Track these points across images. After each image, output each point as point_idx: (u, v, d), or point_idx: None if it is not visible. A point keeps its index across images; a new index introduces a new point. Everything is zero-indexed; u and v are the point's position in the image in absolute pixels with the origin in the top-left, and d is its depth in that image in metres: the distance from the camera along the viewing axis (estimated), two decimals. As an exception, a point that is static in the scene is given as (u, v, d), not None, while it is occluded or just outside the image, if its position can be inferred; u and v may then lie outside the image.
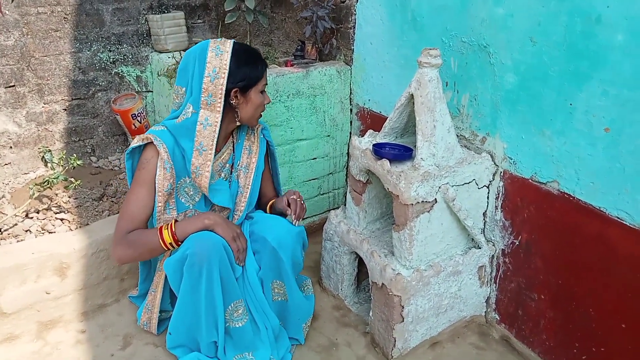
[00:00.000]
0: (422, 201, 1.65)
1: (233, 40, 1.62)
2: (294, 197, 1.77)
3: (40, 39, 2.36)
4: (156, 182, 1.57)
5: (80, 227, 2.05)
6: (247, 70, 1.58)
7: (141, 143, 1.58)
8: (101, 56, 2.55)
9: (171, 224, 1.56)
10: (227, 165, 1.75)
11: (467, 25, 1.74)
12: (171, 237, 1.54)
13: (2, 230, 1.99)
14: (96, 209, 2.23)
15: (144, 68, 2.67)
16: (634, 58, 1.29)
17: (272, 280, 1.73)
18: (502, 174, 1.75)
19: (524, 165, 1.67)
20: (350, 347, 1.88)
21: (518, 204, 1.72)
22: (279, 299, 1.75)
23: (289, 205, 1.76)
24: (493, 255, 1.86)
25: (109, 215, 2.22)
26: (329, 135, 2.45)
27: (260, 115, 1.72)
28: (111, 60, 2.58)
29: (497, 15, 1.62)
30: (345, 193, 2.66)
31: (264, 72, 1.65)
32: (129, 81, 2.66)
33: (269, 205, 1.88)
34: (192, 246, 1.51)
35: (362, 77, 2.33)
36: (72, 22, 2.42)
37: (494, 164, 1.77)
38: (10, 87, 2.34)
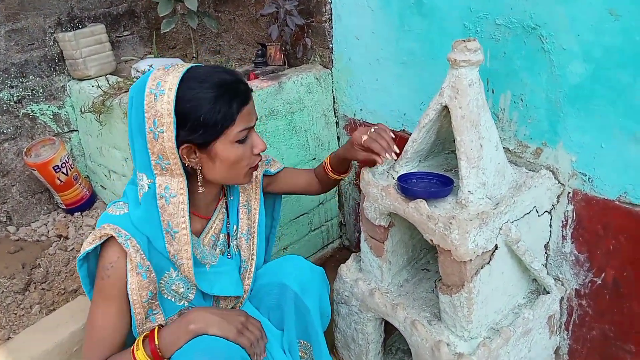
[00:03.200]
0: (483, 252, 1.19)
1: (185, 67, 1.07)
2: (373, 131, 1.27)
3: None
4: (129, 292, 1.06)
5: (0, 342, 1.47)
6: (206, 115, 1.04)
7: (98, 243, 1.06)
8: (1, 95, 1.92)
9: (151, 338, 1.05)
10: (222, 235, 1.26)
11: (504, 2, 1.27)
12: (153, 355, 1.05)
13: None
14: (21, 306, 1.65)
15: (62, 103, 2.07)
16: None
17: (296, 340, 1.31)
18: (570, 195, 1.32)
19: (607, 183, 1.23)
20: None
21: (599, 232, 1.29)
22: None
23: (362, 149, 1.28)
24: (562, 297, 1.43)
25: (40, 311, 1.65)
26: (314, 159, 1.95)
27: (254, 168, 1.18)
28: (15, 98, 1.96)
29: (552, -17, 1.16)
30: (340, 224, 2.18)
31: (241, 109, 1.08)
32: (44, 122, 2.05)
33: (328, 163, 1.41)
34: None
35: (349, 82, 1.84)
36: (-49, 55, 1.79)
37: (558, 182, 1.33)
38: None
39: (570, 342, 1.48)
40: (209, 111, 1.03)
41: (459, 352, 1.25)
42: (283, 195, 1.52)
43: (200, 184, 1.12)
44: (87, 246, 1.05)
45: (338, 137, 2.00)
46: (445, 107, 1.22)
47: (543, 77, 1.26)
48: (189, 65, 1.08)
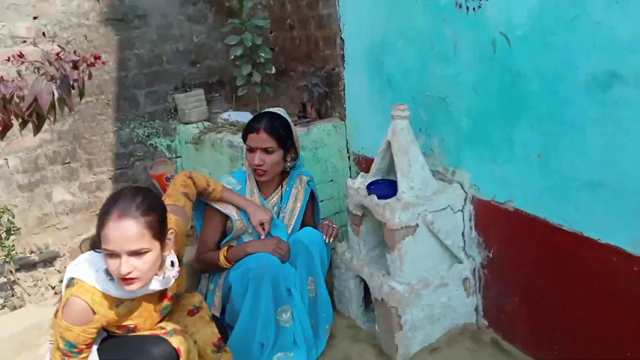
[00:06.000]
0: (406, 226, 2.02)
1: (269, 110, 2.23)
2: (327, 222, 2.25)
3: (88, 123, 2.89)
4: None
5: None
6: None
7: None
8: (138, 131, 3.06)
9: (224, 251, 2.09)
10: (276, 207, 2.24)
11: (428, 83, 2.16)
12: (225, 260, 2.08)
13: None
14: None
15: (173, 138, 3.17)
16: (547, 100, 1.69)
17: (306, 277, 2.15)
18: (471, 199, 2.12)
19: (486, 190, 2.04)
20: (362, 358, 2.20)
21: (486, 222, 2.08)
22: (312, 295, 2.15)
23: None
24: (474, 269, 2.19)
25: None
26: (331, 180, 2.86)
27: (256, 173, 2.14)
28: (146, 134, 3.09)
29: (449, 74, 2.04)
30: (352, 229, 3.04)
31: (248, 133, 2.11)
32: (162, 150, 3.16)
33: None
34: (252, 263, 1.99)
35: (355, 129, 2.77)
36: (114, 106, 2.95)
37: (464, 191, 2.14)
38: (66, 163, 2.85)
39: (483, 301, 2.22)
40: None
41: (393, 287, 2.07)
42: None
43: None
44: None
45: (350, 167, 2.91)
46: (389, 141, 2.10)
47: (451, 126, 2.11)
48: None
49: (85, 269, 1.48)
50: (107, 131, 2.96)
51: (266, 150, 2.09)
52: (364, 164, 2.77)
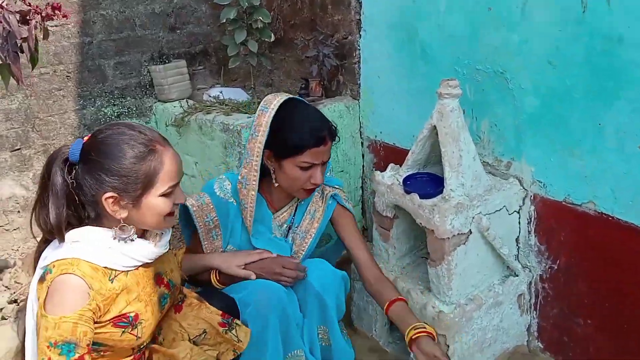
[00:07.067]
0: (458, 233, 1.61)
1: (289, 97, 1.55)
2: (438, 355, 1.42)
3: (44, 100, 2.35)
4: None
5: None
6: (286, 136, 1.49)
7: None
8: (105, 111, 2.53)
9: (215, 274, 1.64)
10: (285, 225, 1.71)
11: (480, 53, 1.73)
12: (217, 283, 1.65)
13: (18, 301, 1.92)
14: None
15: (148, 119, 2.65)
16: (663, 74, 1.29)
17: (317, 325, 1.68)
18: (532, 198, 1.72)
19: (556, 188, 1.64)
20: (393, 390, 1.81)
21: (553, 227, 1.69)
22: (323, 344, 1.70)
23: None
24: (530, 282, 1.81)
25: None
26: (342, 171, 2.42)
27: (306, 192, 1.59)
28: (115, 114, 2.56)
29: (512, 42, 1.62)
30: (364, 227, 2.61)
31: (310, 147, 1.48)
32: (134, 134, 2.64)
33: (388, 311, 1.61)
34: (251, 295, 1.51)
35: (372, 110, 2.32)
36: (75, 80, 2.41)
37: (523, 188, 1.74)
38: (15, 150, 2.32)
39: (539, 320, 1.84)
40: (292, 137, 1.49)
41: (441, 310, 1.66)
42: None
43: (274, 182, 1.59)
44: None
45: (363, 155, 2.47)
46: (434, 126, 1.67)
47: (509, 107, 1.70)
48: (288, 97, 1.55)
49: (56, 251, 1.17)
50: (67, 110, 2.42)
51: (326, 162, 1.59)
52: (382, 152, 2.34)
